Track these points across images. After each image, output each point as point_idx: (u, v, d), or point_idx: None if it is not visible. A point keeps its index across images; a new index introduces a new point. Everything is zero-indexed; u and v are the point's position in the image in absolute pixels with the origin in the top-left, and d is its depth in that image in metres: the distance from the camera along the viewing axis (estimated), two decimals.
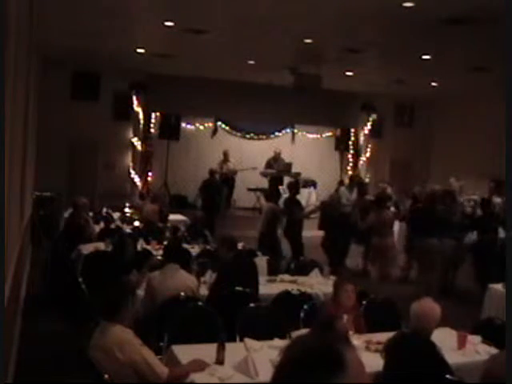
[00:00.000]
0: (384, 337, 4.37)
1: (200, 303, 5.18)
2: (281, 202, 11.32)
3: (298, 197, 11.27)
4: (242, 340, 4.52)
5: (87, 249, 7.80)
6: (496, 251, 8.59)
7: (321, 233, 10.25)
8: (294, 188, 10.80)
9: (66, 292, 6.54)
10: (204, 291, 5.77)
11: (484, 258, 8.78)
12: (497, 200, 10.40)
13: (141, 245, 8.19)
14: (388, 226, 9.13)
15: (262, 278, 6.45)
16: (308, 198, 15.34)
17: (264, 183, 15.66)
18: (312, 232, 10.81)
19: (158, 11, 9.04)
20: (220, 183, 14.40)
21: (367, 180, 16.36)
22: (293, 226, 10.14)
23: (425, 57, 11.07)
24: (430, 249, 8.92)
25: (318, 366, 1.42)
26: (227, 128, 16.76)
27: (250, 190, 15.90)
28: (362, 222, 9.55)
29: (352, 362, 1.44)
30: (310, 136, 17.54)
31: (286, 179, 15.83)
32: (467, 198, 11.75)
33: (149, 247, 8.07)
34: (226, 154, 15.21)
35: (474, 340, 4.65)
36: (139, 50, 12.16)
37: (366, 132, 17.38)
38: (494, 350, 4.35)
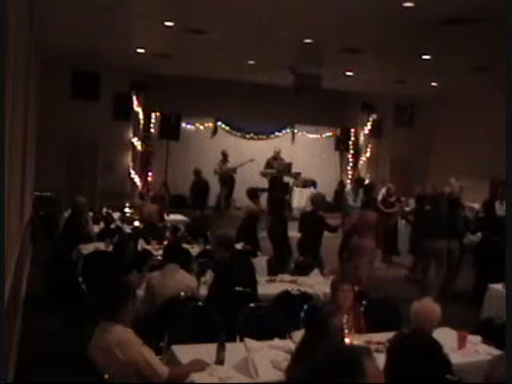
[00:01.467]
0: (384, 337, 4.37)
1: (200, 303, 5.17)
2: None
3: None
4: (242, 340, 4.52)
5: (87, 249, 7.80)
6: (498, 253, 8.61)
7: None
8: (282, 187, 10.67)
9: (66, 292, 6.54)
10: (204, 291, 5.76)
11: (485, 259, 8.77)
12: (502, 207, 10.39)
13: (141, 245, 8.18)
14: (369, 227, 8.79)
15: (262, 278, 6.46)
16: (308, 197, 15.36)
17: (264, 183, 15.67)
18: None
19: (158, 11, 9.04)
20: (207, 182, 14.59)
21: (367, 181, 16.37)
22: (276, 225, 9.91)
23: (425, 57, 11.07)
24: (435, 250, 8.91)
25: (342, 371, 1.62)
26: (227, 128, 16.77)
27: None
28: (347, 223, 9.44)
29: (371, 371, 1.64)
30: (310, 136, 17.55)
31: (286, 179, 15.88)
32: (469, 206, 11.77)
33: (149, 247, 8.07)
34: (224, 154, 15.19)
35: (474, 340, 4.65)
36: (139, 50, 12.16)
37: (366, 132, 17.38)
38: (493, 350, 4.35)
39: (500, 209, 10.34)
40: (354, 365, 1.60)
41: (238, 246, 7.76)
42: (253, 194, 9.99)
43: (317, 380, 1.62)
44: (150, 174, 15.47)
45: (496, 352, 4.19)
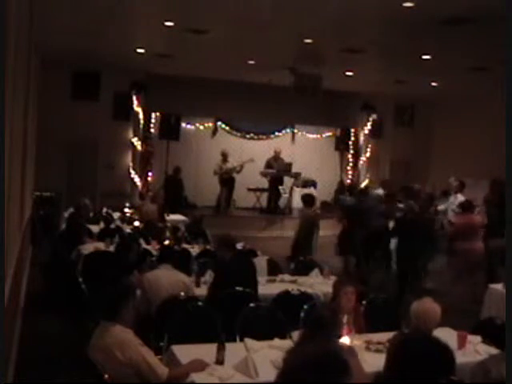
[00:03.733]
0: (384, 337, 4.37)
1: (200, 303, 5.18)
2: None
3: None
4: (242, 340, 4.52)
5: (87, 249, 7.80)
6: None
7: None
8: (363, 195, 10.52)
9: (65, 292, 6.54)
10: (204, 291, 5.77)
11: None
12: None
13: (141, 245, 8.19)
14: (476, 230, 8.63)
15: (262, 278, 6.46)
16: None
17: (264, 183, 15.68)
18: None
19: (158, 11, 9.04)
20: (180, 180, 14.61)
21: (365, 183, 16.39)
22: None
23: (425, 57, 11.07)
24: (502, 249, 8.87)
25: (327, 370, 1.60)
26: (227, 128, 16.75)
27: (250, 190, 15.90)
28: (450, 227, 9.23)
29: (354, 368, 1.64)
30: (310, 136, 17.54)
31: (286, 179, 15.88)
32: None
33: (149, 247, 8.08)
34: (224, 154, 15.12)
35: (474, 340, 4.65)
36: (139, 50, 12.16)
37: (366, 132, 17.37)
38: (493, 350, 4.35)
39: None
40: (340, 363, 1.60)
41: (239, 246, 7.76)
42: (309, 200, 9.74)
43: (301, 380, 1.58)
44: (150, 174, 15.46)
45: (496, 352, 4.19)
